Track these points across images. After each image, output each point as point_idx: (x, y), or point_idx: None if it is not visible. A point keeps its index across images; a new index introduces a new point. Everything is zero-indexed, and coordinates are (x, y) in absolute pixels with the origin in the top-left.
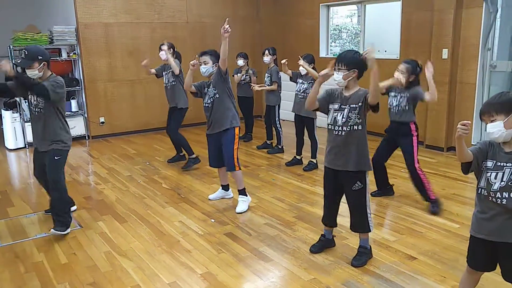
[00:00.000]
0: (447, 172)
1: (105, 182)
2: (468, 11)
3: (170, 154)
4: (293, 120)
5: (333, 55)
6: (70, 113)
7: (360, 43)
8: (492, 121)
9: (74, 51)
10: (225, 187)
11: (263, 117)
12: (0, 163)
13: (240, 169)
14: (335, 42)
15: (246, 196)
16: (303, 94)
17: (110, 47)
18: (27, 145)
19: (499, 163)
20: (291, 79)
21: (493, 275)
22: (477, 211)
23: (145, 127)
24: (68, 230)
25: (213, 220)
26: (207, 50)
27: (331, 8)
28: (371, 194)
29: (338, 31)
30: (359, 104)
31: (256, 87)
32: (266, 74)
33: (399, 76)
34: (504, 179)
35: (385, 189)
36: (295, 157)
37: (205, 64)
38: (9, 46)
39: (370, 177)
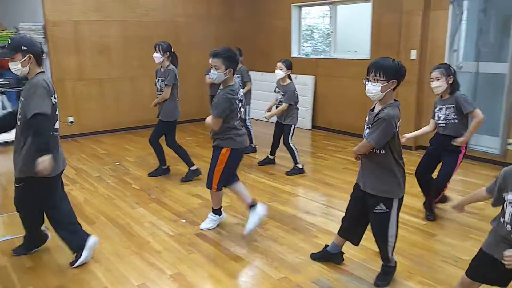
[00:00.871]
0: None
1: (73, 183)
2: (435, 13)
3: (141, 154)
4: (261, 119)
5: (305, 55)
6: None
7: (331, 43)
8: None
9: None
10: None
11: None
12: None
13: (217, 190)
14: (307, 43)
15: (219, 215)
16: (280, 103)
17: (80, 46)
18: None
19: None
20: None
21: None
22: (495, 236)
23: (115, 127)
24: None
25: (184, 221)
26: (220, 50)
27: (303, 8)
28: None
29: (310, 31)
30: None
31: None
32: (236, 75)
33: (436, 84)
34: None
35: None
36: (267, 156)
37: (216, 69)
38: None
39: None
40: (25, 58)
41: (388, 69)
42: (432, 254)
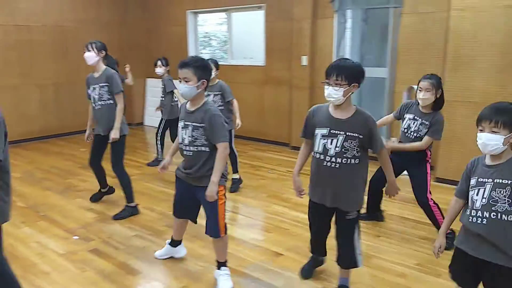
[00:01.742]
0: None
1: None
2: (323, 21)
3: (28, 168)
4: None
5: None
6: None
7: (228, 50)
8: (493, 132)
9: None
10: (175, 243)
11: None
12: None
13: (226, 233)
14: (205, 49)
15: (227, 267)
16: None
17: None
18: None
19: (481, 179)
20: None
21: None
22: (464, 230)
23: None
24: None
25: (76, 237)
26: (189, 59)
27: (200, 15)
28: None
29: (208, 38)
30: (360, 136)
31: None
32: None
33: (426, 96)
34: (485, 196)
35: (373, 214)
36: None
37: (185, 81)
38: None
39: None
40: None
41: (349, 72)
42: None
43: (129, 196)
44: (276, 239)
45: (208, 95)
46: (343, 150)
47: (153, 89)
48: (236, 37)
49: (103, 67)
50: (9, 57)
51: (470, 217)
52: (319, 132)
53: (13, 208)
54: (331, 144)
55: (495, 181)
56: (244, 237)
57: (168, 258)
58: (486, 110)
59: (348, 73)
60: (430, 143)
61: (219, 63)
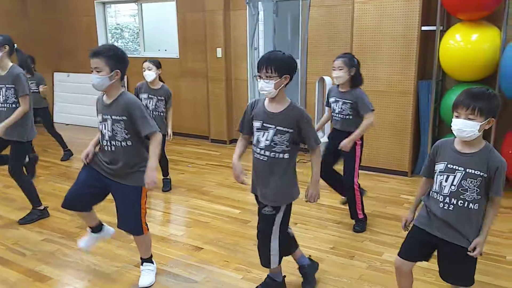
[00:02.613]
0: (230, 163)
1: None
2: (235, 13)
3: None
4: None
5: None
6: None
7: (140, 42)
8: (470, 119)
9: None
10: (96, 228)
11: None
12: None
13: (148, 229)
14: (118, 42)
15: (153, 263)
16: (156, 112)
17: None
18: None
19: (452, 166)
20: None
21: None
22: (427, 211)
23: None
24: None
25: None
26: (100, 48)
27: (111, 6)
28: (342, 203)
29: (120, 30)
30: (290, 130)
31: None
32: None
33: (338, 74)
34: (455, 184)
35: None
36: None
37: (97, 72)
38: None
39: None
40: None
41: (280, 64)
42: (246, 240)
43: (35, 200)
44: (196, 233)
45: (151, 98)
46: (272, 143)
47: (61, 84)
48: (149, 29)
49: (8, 63)
50: None
51: (439, 202)
52: (255, 124)
53: None
54: (262, 137)
55: (467, 170)
56: (163, 234)
57: (85, 256)
58: (463, 96)
59: (278, 65)
60: (369, 118)
61: (132, 56)
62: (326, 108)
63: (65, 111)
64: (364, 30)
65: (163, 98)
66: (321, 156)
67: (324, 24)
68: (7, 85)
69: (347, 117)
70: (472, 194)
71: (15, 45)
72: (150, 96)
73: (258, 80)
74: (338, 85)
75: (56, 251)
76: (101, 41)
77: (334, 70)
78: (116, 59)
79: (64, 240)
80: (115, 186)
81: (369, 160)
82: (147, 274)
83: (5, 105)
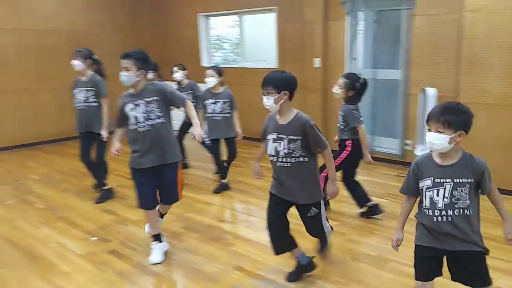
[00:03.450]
0: None
1: None
2: (334, 23)
3: (46, 170)
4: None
5: (216, 63)
6: None
7: (240, 53)
8: (439, 132)
9: None
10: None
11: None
12: None
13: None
14: (217, 52)
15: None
16: (219, 115)
17: None
18: None
19: (438, 179)
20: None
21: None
22: (421, 227)
23: (14, 143)
24: None
25: (94, 238)
26: (130, 51)
27: (212, 18)
28: (362, 216)
29: (220, 41)
30: (299, 137)
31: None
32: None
33: (337, 90)
34: (447, 196)
35: (368, 206)
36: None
37: (126, 70)
38: None
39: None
40: None
41: (277, 82)
42: (343, 252)
43: (101, 180)
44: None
45: (216, 102)
46: (290, 151)
47: None
48: (248, 40)
49: (89, 72)
50: (25, 61)
51: (434, 217)
52: (270, 137)
53: (32, 209)
54: (280, 146)
55: (455, 180)
56: (258, 239)
57: (178, 257)
58: (434, 109)
59: (276, 83)
60: (359, 131)
61: (231, 66)
62: None
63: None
64: (474, 40)
65: (228, 100)
66: (332, 157)
67: (428, 33)
68: (86, 88)
69: (343, 128)
70: (465, 201)
71: (95, 56)
72: (215, 100)
73: (262, 97)
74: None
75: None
76: (203, 52)
77: (335, 85)
78: (142, 61)
79: (169, 239)
80: (160, 169)
81: None
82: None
83: (86, 104)
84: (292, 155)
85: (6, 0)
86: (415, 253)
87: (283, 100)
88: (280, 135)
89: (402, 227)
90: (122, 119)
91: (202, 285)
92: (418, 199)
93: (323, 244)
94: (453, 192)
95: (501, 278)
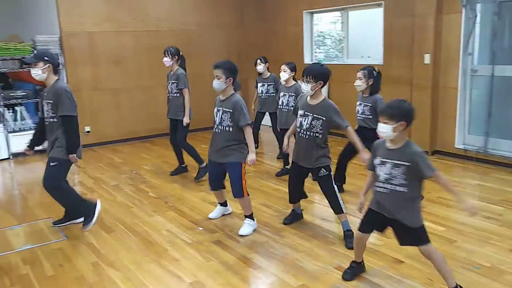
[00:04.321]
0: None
1: (91, 192)
2: (448, 16)
3: (157, 162)
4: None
5: (318, 60)
6: None
7: (344, 49)
8: (385, 123)
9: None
10: (223, 204)
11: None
12: None
13: (248, 195)
14: (319, 49)
15: (253, 220)
16: (286, 107)
17: (94, 56)
18: (11, 156)
19: (383, 159)
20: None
21: None
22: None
23: (130, 136)
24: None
25: (201, 228)
26: (220, 62)
27: (315, 14)
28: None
29: (322, 37)
30: (323, 118)
31: None
32: (267, 83)
33: (358, 83)
34: (387, 172)
35: (339, 185)
36: (284, 167)
37: (217, 79)
38: None
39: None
40: (45, 67)
41: (314, 73)
42: (452, 260)
43: (199, 160)
44: (396, 245)
45: (285, 95)
46: (310, 126)
47: None
48: (352, 36)
49: (176, 67)
50: (141, 60)
51: (377, 188)
52: (299, 112)
53: (145, 198)
54: (304, 121)
55: (393, 161)
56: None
57: (280, 252)
58: (384, 105)
59: (314, 74)
60: None
61: (334, 62)
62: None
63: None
64: None
65: (293, 94)
66: (355, 134)
67: None
68: (172, 81)
69: (369, 116)
70: (399, 180)
71: (181, 53)
72: (284, 93)
73: (301, 82)
74: (362, 93)
75: (264, 242)
76: (306, 49)
77: (356, 79)
78: (230, 70)
79: (270, 234)
80: (224, 166)
81: None
82: (247, 226)
83: (171, 94)
84: (312, 130)
85: (128, 6)
86: (365, 212)
87: (318, 88)
88: (307, 112)
89: (364, 194)
90: None
91: (303, 282)
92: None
93: (337, 209)
94: (391, 171)
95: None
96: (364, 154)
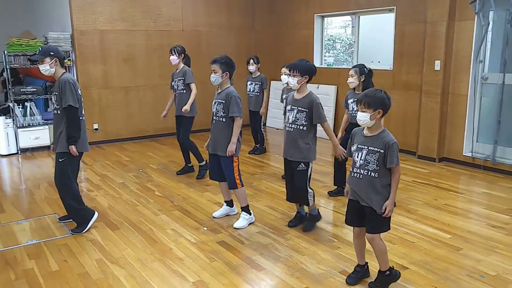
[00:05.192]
0: (439, 183)
1: (97, 189)
2: (460, 23)
3: (164, 161)
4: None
5: (327, 65)
6: None
7: (354, 53)
8: (363, 111)
9: (69, 58)
10: (229, 203)
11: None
12: None
13: (242, 186)
14: (329, 52)
15: (250, 214)
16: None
17: (105, 54)
18: (19, 151)
19: (360, 145)
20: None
21: None
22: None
23: (139, 134)
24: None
25: (206, 228)
26: (218, 57)
27: (326, 18)
28: (328, 193)
29: (332, 41)
30: (306, 110)
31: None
32: (254, 82)
33: (350, 81)
34: (362, 158)
35: (341, 187)
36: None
37: (214, 73)
38: (4, 52)
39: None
40: (52, 61)
41: (301, 68)
42: (458, 268)
43: (200, 158)
44: (400, 251)
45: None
46: (296, 119)
47: (277, 91)
48: (362, 40)
49: (181, 65)
50: (152, 60)
51: (353, 173)
52: (287, 107)
53: (151, 197)
54: (291, 115)
55: (369, 148)
56: (366, 246)
57: (284, 255)
58: (361, 95)
59: (300, 69)
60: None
61: (343, 66)
62: (346, 110)
63: (277, 116)
64: None
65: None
66: (331, 130)
67: None
68: (178, 78)
69: None
70: (373, 165)
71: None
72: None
73: (288, 77)
74: (354, 89)
75: (268, 244)
76: (316, 52)
77: (348, 77)
78: (226, 65)
79: (275, 236)
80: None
81: None
82: (242, 219)
83: (178, 91)
84: (296, 123)
85: (141, 6)
86: (347, 204)
87: (303, 82)
88: (293, 106)
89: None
90: None
91: (307, 284)
92: None
93: (304, 202)
94: (367, 157)
95: None
96: (338, 149)
